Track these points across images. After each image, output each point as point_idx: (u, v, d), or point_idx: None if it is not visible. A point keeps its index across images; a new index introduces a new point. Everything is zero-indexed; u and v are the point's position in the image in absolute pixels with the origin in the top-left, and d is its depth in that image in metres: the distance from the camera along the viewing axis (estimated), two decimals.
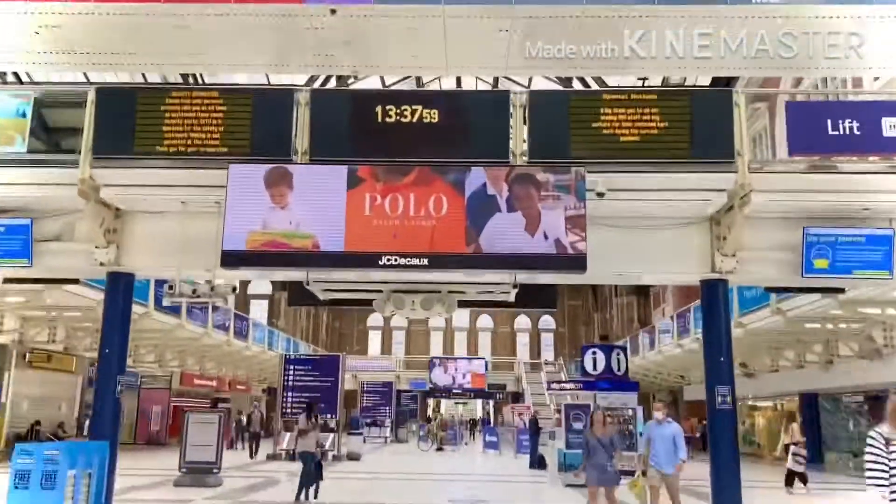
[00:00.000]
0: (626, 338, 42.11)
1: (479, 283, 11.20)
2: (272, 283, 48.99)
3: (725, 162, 9.53)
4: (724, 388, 10.15)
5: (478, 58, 9.97)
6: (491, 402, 56.61)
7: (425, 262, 9.42)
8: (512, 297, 11.27)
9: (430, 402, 54.05)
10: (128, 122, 9.85)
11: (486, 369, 47.56)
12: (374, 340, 60.18)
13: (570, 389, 20.88)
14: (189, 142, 9.85)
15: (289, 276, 11.37)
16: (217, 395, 37.43)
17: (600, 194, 9.46)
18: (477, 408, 60.45)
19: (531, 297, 12.08)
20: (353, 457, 22.96)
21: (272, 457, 23.15)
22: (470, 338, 60.11)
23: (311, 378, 23.59)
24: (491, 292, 11.41)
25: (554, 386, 21.44)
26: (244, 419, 30.99)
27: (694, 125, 9.62)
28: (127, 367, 29.77)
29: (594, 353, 21.20)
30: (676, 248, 10.44)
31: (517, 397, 46.42)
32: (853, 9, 9.25)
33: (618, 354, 21.28)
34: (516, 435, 26.67)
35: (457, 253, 9.45)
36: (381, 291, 11.13)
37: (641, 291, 46.81)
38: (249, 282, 50.11)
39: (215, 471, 14.71)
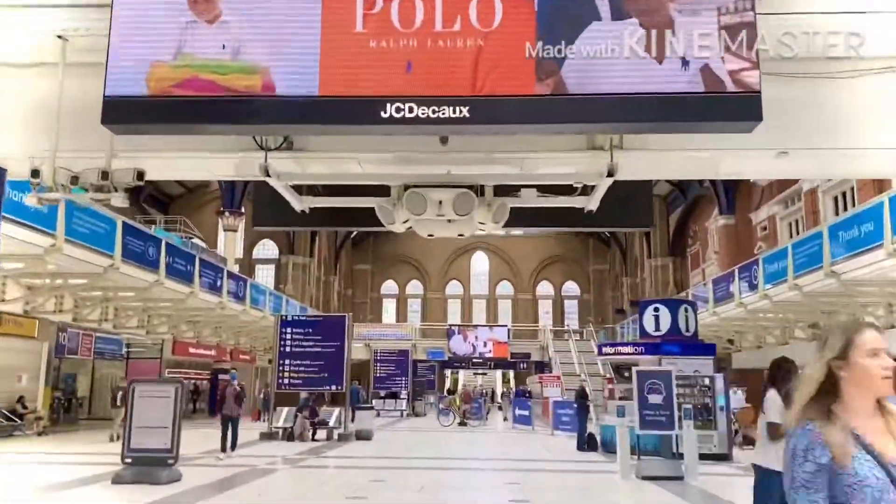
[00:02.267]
0: None
1: (537, 177, 6.89)
2: (278, 245, 45.03)
3: None
4: None
5: None
6: (511, 373, 52.68)
7: (464, 111, 5.15)
8: (594, 205, 6.96)
9: (448, 373, 50.17)
10: None
11: (509, 337, 43.49)
12: (389, 309, 56.21)
13: (627, 355, 16.67)
14: None
15: (225, 155, 6.73)
16: (218, 366, 33.56)
17: None
18: (496, 379, 56.44)
19: (620, 209, 7.74)
20: (363, 436, 18.87)
21: (267, 436, 19.15)
22: (490, 306, 55.97)
23: (312, 343, 19.49)
24: (561, 193, 7.10)
25: (607, 350, 17.19)
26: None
27: None
28: (108, 332, 24.82)
29: (656, 309, 16.92)
30: None
31: (541, 367, 42.30)
32: None
33: (686, 311, 17.00)
34: (551, 408, 22.58)
35: (522, 95, 5.18)
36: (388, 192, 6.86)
37: (677, 252, 42.36)
38: (255, 244, 46.21)
39: (170, 462, 10.67)
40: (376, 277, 56.08)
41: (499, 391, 53.10)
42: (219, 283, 24.27)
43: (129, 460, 10.70)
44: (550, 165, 6.65)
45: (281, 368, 19.57)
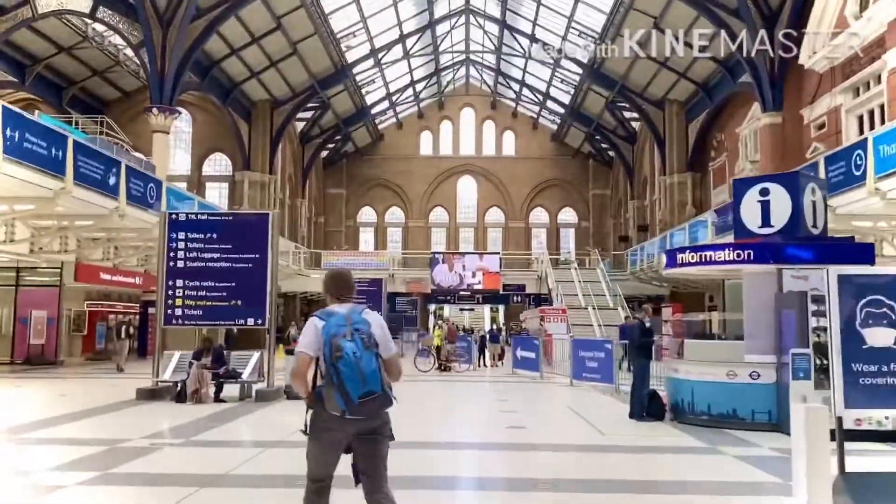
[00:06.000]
0: (675, 227, 30.91)
1: None
2: (231, 160, 37.52)
3: None
4: None
5: None
6: (501, 309, 46.04)
7: None
8: None
9: (432, 307, 43.44)
10: None
11: (500, 267, 36.63)
12: (367, 239, 49.08)
13: (717, 263, 9.68)
14: None
15: None
16: (149, 298, 26.48)
17: None
18: (484, 316, 49.60)
19: None
20: (295, 393, 12.04)
21: (149, 394, 12.21)
22: (478, 235, 48.95)
23: (218, 255, 12.43)
24: None
25: (685, 258, 10.05)
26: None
27: None
28: None
29: (764, 192, 9.91)
30: None
31: (538, 301, 35.67)
32: None
33: (813, 192, 10.02)
34: (570, 350, 15.81)
35: None
36: None
37: (697, 167, 35.30)
38: (205, 159, 38.69)
39: None
40: (351, 203, 48.71)
41: (486, 328, 46.48)
42: (112, 181, 16.99)
43: None
44: None
45: (170, 294, 12.50)
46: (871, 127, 21.13)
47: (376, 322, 3.76)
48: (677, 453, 7.91)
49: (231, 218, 13.73)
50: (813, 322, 8.57)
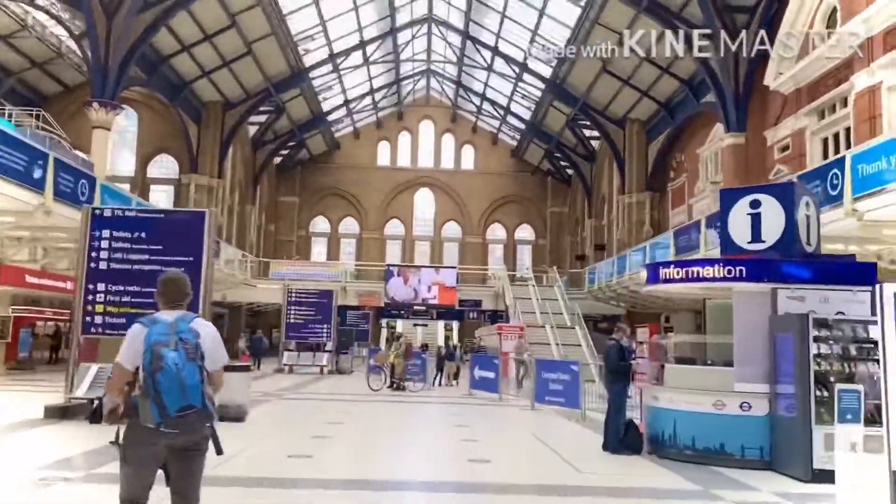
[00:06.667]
0: (633, 246, 30.30)
1: None
2: (178, 161, 35.68)
3: None
4: None
5: None
6: (455, 325, 44.85)
7: None
8: None
9: (384, 322, 41.98)
10: None
11: (457, 281, 35.53)
12: (319, 250, 47.44)
13: (706, 281, 8.69)
14: None
15: None
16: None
17: None
18: (438, 332, 48.27)
19: None
20: (229, 415, 10.59)
21: (60, 412, 10.63)
22: (434, 249, 47.80)
23: (147, 257, 10.96)
24: None
25: (670, 273, 8.96)
26: None
27: None
28: None
29: (755, 204, 9.03)
30: None
31: (494, 318, 34.64)
32: None
33: (808, 207, 9.18)
34: (531, 370, 14.69)
35: None
36: None
37: (656, 187, 34.89)
38: (150, 160, 36.74)
39: None
40: (304, 212, 47.05)
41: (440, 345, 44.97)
42: (37, 175, 15.30)
43: None
44: None
45: (90, 300, 10.96)
46: (837, 150, 20.78)
47: (207, 333, 3.56)
48: (668, 498, 6.80)
49: (163, 215, 12.25)
50: (814, 349, 7.63)
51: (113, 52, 24.34)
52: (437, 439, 10.69)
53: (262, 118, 38.74)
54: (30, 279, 21.27)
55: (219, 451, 3.57)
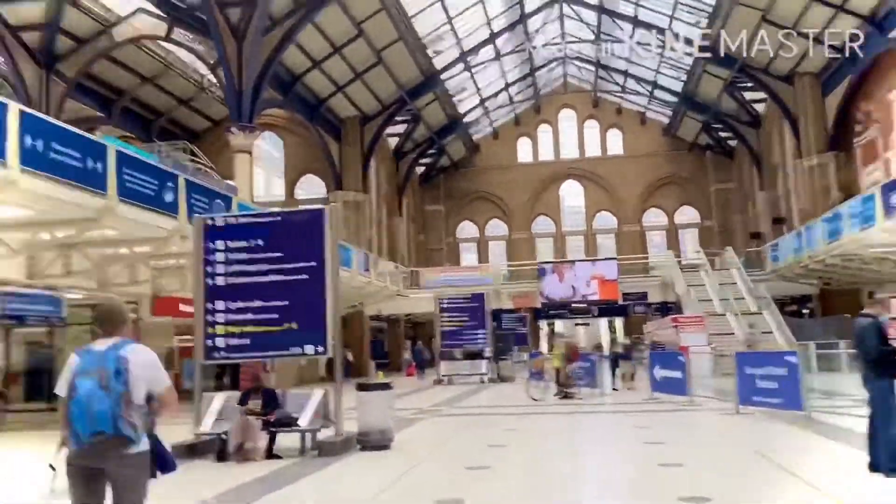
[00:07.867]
0: (820, 216, 25.76)
1: None
2: (324, 180, 35.54)
3: None
4: None
5: None
6: (619, 322, 41.42)
7: None
8: None
9: (543, 324, 39.52)
10: None
11: (618, 273, 32.48)
12: (469, 255, 45.95)
13: None
14: None
15: None
16: None
17: None
18: (599, 330, 44.97)
19: None
20: (371, 443, 8.82)
21: (189, 449, 9.37)
22: (587, 242, 44.79)
23: (267, 266, 9.51)
24: None
25: None
26: None
27: None
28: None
29: None
30: None
31: (665, 310, 31.20)
32: None
33: None
34: (735, 366, 11.78)
35: None
36: None
37: (840, 145, 29.94)
38: (297, 182, 36.97)
39: None
40: (451, 219, 45.81)
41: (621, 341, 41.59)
42: (169, 199, 14.63)
43: None
44: None
45: (209, 321, 9.69)
46: None
47: (137, 359, 3.50)
48: None
49: (279, 217, 10.79)
50: None
51: (245, 75, 24.08)
52: (625, 465, 8.26)
53: (401, 129, 38.00)
54: (183, 308, 21.11)
55: (152, 474, 3.56)
